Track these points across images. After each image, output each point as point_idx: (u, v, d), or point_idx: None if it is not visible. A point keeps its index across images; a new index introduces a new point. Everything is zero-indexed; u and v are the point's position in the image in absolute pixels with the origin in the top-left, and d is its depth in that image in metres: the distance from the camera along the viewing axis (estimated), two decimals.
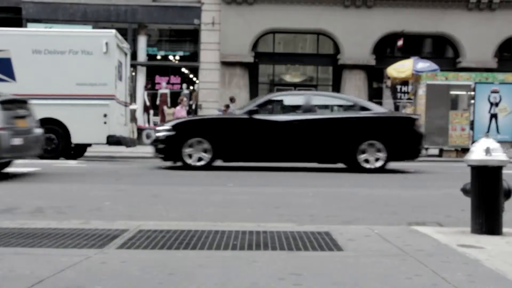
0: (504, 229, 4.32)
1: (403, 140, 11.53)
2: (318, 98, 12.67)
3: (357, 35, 22.40)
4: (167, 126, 11.78)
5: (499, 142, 4.49)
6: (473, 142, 14.33)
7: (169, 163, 12.19)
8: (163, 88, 23.52)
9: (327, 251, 3.75)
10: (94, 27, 21.43)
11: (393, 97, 23.95)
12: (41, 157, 13.87)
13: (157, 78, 23.74)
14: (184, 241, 3.97)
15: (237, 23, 22.48)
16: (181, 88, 23.54)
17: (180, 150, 11.28)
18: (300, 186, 9.01)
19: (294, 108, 12.10)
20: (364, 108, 11.83)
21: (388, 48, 23.71)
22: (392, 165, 11.72)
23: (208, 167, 11.33)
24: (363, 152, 11.31)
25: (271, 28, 22.90)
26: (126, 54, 16.90)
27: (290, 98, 12.69)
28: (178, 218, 5.37)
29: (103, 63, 14.71)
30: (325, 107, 12.71)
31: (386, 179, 10.18)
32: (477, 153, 4.29)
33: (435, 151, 18.00)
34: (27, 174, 10.19)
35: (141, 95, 23.36)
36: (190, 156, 11.35)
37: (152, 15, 22.94)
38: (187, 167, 11.29)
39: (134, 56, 21.64)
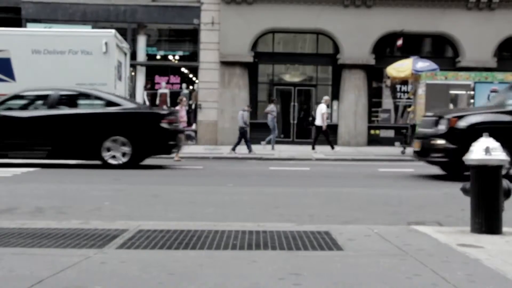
0: (504, 229, 4.32)
1: (149, 135, 11.47)
2: (66, 94, 12.25)
3: (356, 34, 22.36)
4: None
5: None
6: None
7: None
8: (163, 88, 23.47)
9: (327, 250, 3.75)
10: (93, 27, 21.39)
11: (393, 97, 23.93)
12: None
13: (157, 78, 23.70)
14: (184, 241, 3.97)
15: (236, 23, 22.45)
16: (180, 88, 23.50)
17: None
18: (299, 186, 9.01)
19: (42, 104, 11.85)
20: (114, 104, 11.71)
21: (388, 48, 23.67)
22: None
23: None
24: (109, 148, 11.28)
25: (271, 28, 22.87)
26: (125, 54, 16.90)
27: (38, 94, 12.31)
28: (178, 218, 5.38)
29: (102, 63, 14.70)
30: (73, 103, 12.21)
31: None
32: (477, 153, 4.29)
33: None
34: (27, 174, 10.19)
35: (141, 95, 23.33)
36: None
37: (151, 15, 22.90)
38: None
39: (133, 56, 21.60)
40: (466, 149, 9.68)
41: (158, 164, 12.55)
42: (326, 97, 19.95)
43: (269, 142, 19.11)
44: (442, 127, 9.85)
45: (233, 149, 17.03)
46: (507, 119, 9.77)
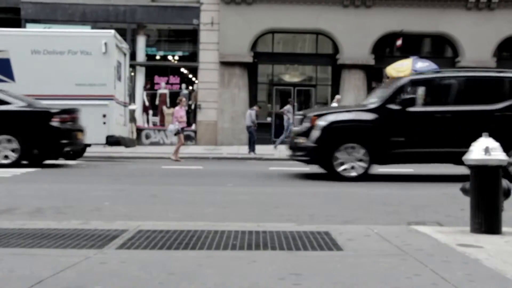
0: (504, 228, 4.32)
1: (37, 134, 11.41)
2: None
3: (356, 34, 22.38)
4: None
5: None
6: None
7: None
8: (162, 88, 23.49)
9: (327, 250, 3.75)
10: (93, 28, 21.40)
11: None
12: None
13: (156, 78, 23.70)
14: (183, 241, 3.97)
15: (236, 23, 22.46)
16: (180, 88, 23.51)
17: None
18: (299, 186, 9.01)
19: None
20: (3, 102, 11.56)
21: (387, 48, 23.69)
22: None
23: None
24: None
25: (270, 28, 22.88)
26: (125, 54, 16.89)
27: None
28: (178, 218, 5.37)
29: (102, 64, 14.70)
30: None
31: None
32: (476, 153, 4.28)
33: None
34: (27, 174, 10.19)
35: (140, 95, 23.36)
36: None
37: (151, 15, 22.91)
38: None
39: (133, 56, 21.60)
40: (324, 147, 9.76)
41: (157, 164, 12.55)
42: (338, 96, 20.02)
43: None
44: (306, 125, 9.83)
45: (252, 150, 17.26)
46: (365, 118, 9.74)
